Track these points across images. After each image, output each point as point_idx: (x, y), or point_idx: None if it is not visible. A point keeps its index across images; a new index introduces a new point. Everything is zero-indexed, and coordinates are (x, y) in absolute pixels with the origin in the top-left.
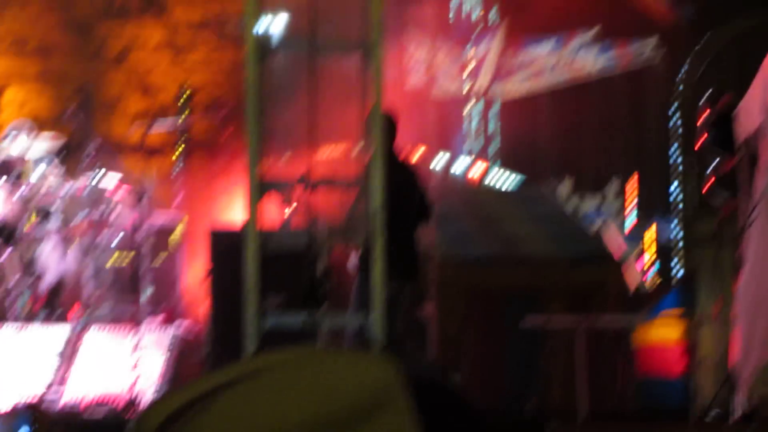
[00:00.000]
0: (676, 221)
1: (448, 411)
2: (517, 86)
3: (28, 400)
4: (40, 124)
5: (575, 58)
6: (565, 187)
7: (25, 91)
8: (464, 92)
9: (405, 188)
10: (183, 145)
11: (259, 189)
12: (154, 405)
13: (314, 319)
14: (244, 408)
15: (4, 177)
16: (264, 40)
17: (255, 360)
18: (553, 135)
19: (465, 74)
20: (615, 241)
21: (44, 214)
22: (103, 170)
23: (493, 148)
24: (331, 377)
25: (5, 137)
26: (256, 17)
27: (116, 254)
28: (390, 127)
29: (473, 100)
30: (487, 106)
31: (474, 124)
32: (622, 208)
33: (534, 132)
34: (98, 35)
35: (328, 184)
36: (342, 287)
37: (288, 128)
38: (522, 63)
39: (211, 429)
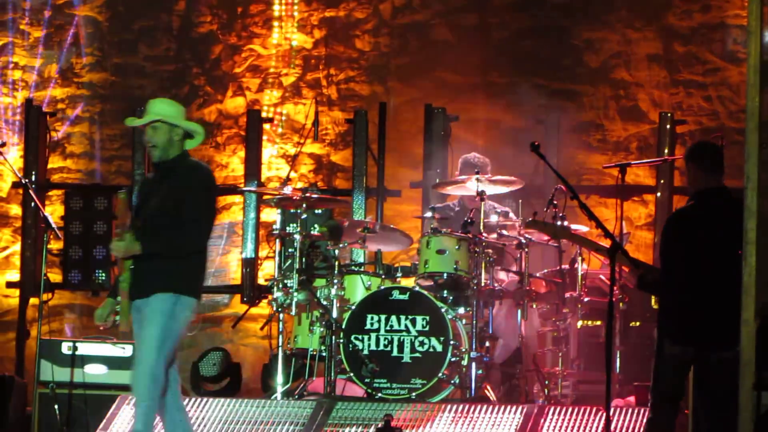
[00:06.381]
0: None
1: None
2: None
3: None
4: (495, 158)
5: None
6: None
7: (486, 111)
8: None
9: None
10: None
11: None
12: None
13: None
14: None
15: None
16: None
17: None
18: None
19: None
20: None
21: (497, 267)
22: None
23: None
24: None
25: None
26: (759, 32)
27: (582, 320)
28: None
29: None
30: None
31: None
32: None
33: None
34: (575, 43)
35: None
36: None
37: None
38: None
39: None
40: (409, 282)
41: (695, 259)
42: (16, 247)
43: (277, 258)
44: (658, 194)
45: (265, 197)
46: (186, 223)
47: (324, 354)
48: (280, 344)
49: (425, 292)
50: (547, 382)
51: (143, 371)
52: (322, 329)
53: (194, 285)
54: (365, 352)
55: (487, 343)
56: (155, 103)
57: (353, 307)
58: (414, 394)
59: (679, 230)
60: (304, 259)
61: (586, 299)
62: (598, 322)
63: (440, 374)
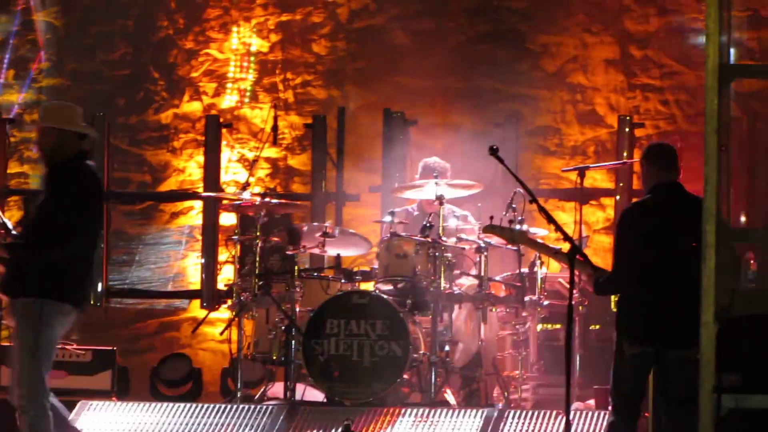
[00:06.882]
0: None
1: None
2: None
3: None
4: (453, 162)
5: None
6: None
7: (444, 116)
8: None
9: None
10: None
11: (724, 236)
12: None
13: None
14: None
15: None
16: (727, 63)
17: None
18: None
19: None
20: None
21: (453, 271)
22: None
23: None
24: None
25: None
26: (717, 35)
27: (541, 323)
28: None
29: None
30: None
31: None
32: None
33: None
34: (531, 48)
35: None
36: None
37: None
38: None
39: None
40: (368, 286)
41: (651, 249)
42: None
43: (236, 262)
44: (617, 197)
45: (224, 202)
46: (57, 230)
47: (284, 359)
48: (240, 349)
49: (385, 296)
50: (507, 386)
51: (22, 383)
52: (281, 334)
53: (67, 290)
54: (325, 356)
55: (447, 347)
56: (45, 107)
57: (313, 312)
58: (374, 398)
59: (636, 220)
60: (263, 264)
61: (545, 303)
62: (558, 326)
63: (400, 378)
